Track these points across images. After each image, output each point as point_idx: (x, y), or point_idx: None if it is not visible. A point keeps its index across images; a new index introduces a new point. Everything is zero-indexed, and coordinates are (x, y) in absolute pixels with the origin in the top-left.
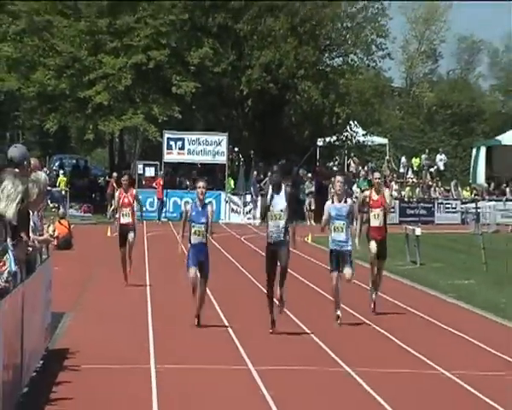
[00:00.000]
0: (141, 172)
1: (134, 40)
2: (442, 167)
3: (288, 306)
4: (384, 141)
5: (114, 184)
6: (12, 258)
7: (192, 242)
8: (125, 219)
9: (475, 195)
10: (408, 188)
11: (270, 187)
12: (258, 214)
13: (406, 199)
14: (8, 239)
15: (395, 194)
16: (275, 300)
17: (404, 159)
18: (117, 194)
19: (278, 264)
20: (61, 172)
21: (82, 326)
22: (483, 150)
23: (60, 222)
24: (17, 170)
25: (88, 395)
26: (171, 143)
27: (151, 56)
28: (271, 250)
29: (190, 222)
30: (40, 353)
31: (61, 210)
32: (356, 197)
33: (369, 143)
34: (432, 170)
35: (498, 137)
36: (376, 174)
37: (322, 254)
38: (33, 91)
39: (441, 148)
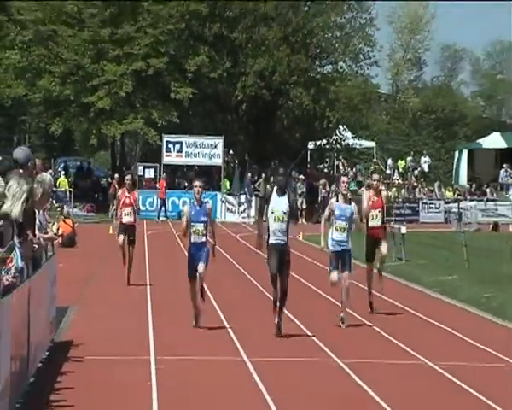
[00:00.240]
0: (141, 173)
1: (134, 48)
2: (426, 169)
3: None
4: (371, 144)
5: (116, 185)
6: (19, 255)
7: (192, 240)
8: (127, 219)
9: (458, 195)
10: (394, 189)
11: (275, 189)
12: (252, 213)
13: (392, 199)
14: (15, 237)
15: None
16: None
17: (390, 161)
18: (119, 193)
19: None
20: (63, 173)
21: (85, 320)
22: (465, 153)
23: (64, 221)
24: (22, 171)
25: (91, 384)
26: (170, 146)
27: (150, 64)
28: (275, 251)
29: (189, 222)
30: (46, 345)
31: (66, 209)
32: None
33: (358, 146)
34: (416, 172)
35: (479, 141)
36: (375, 176)
37: (314, 251)
38: (39, 97)
39: (425, 150)
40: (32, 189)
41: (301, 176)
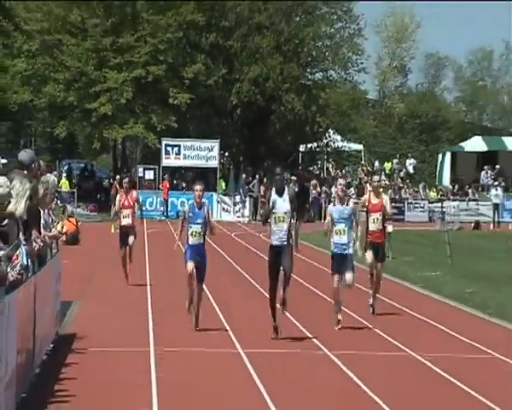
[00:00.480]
0: (141, 175)
1: (134, 57)
2: (411, 171)
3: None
4: (359, 147)
5: (117, 186)
6: (24, 252)
7: (189, 243)
8: (126, 221)
9: (441, 195)
10: (381, 189)
11: (274, 190)
12: (247, 213)
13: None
14: (21, 234)
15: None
16: (277, 305)
17: (377, 163)
18: (118, 197)
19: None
20: (64, 174)
21: (88, 314)
22: (448, 156)
23: (68, 220)
24: (26, 172)
25: (93, 375)
26: (169, 149)
27: (150, 71)
28: (275, 253)
29: (188, 223)
30: (51, 337)
31: (70, 209)
32: (334, 198)
33: (346, 149)
34: (402, 173)
35: (462, 144)
36: (375, 177)
37: (306, 249)
38: (44, 103)
39: (410, 153)
40: (34, 187)
41: (293, 177)
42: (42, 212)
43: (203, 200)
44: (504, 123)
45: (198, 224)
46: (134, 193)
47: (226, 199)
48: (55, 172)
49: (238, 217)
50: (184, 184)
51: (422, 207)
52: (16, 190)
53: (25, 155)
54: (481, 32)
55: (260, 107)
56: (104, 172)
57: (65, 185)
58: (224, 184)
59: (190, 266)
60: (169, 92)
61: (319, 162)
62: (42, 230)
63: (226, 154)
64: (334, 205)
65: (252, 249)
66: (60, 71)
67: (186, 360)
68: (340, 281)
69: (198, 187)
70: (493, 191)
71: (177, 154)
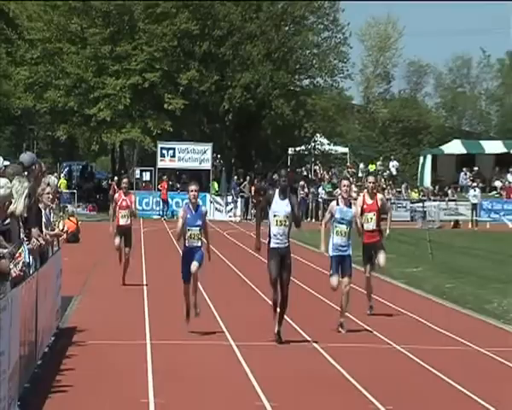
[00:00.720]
0: (138, 176)
1: (132, 64)
2: (394, 172)
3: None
4: (345, 150)
5: (115, 187)
6: (26, 250)
7: (186, 245)
8: (123, 221)
9: (422, 196)
10: (365, 190)
11: (277, 191)
12: (238, 212)
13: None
14: (22, 233)
15: (354, 195)
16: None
17: (362, 165)
18: (116, 196)
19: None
20: (62, 175)
21: (88, 308)
22: (429, 158)
23: (69, 219)
24: (27, 173)
25: (92, 366)
26: (164, 151)
27: (146, 78)
28: (276, 255)
29: (185, 226)
30: (52, 330)
31: (70, 208)
32: (322, 198)
33: (333, 152)
34: (385, 174)
35: (442, 147)
36: (370, 178)
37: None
38: (46, 108)
39: (393, 156)
40: (33, 186)
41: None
42: (43, 211)
43: (202, 208)
44: (482, 127)
45: (196, 226)
46: (132, 196)
47: (218, 199)
48: (56, 174)
49: (230, 216)
50: (179, 185)
51: (405, 207)
52: (15, 189)
53: (26, 156)
54: (460, 41)
55: (251, 112)
56: (103, 174)
57: (63, 185)
58: (216, 185)
59: (186, 288)
60: (164, 98)
61: (307, 164)
62: (43, 228)
63: (219, 156)
64: (337, 204)
65: (243, 247)
66: (60, 78)
67: (180, 352)
68: (339, 282)
69: (193, 187)
70: (471, 192)
71: (171, 156)
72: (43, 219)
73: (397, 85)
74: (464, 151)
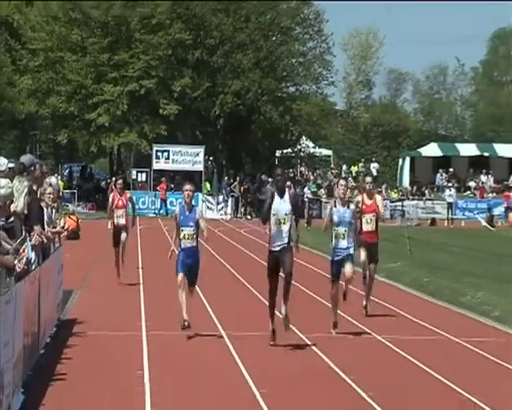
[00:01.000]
0: (134, 177)
1: (129, 72)
2: (375, 173)
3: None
4: (329, 152)
5: (113, 187)
6: (29, 246)
7: (182, 246)
8: (119, 221)
9: (401, 195)
10: (348, 190)
11: (275, 191)
12: (229, 211)
13: (347, 199)
14: (23, 230)
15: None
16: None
17: (345, 167)
18: (111, 196)
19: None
20: (59, 177)
21: (87, 301)
22: (407, 160)
23: (69, 217)
24: (27, 173)
25: (92, 356)
26: (159, 154)
27: (142, 85)
28: (274, 257)
29: (180, 226)
30: (54, 322)
31: (71, 207)
32: (307, 197)
33: (317, 154)
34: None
35: (419, 150)
36: (368, 178)
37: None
38: (48, 113)
39: (374, 158)
40: (32, 185)
41: (270, 179)
42: (45, 210)
43: (197, 209)
44: (457, 131)
45: (190, 226)
46: (128, 194)
47: (210, 199)
48: (56, 175)
49: (221, 215)
50: (173, 186)
51: (385, 206)
52: (15, 188)
53: (26, 158)
54: (437, 50)
55: (241, 117)
56: (102, 175)
57: (62, 186)
58: (208, 186)
59: (180, 277)
60: (159, 104)
61: (294, 166)
62: (46, 226)
63: (210, 158)
64: (335, 206)
65: (233, 243)
66: (62, 84)
67: (175, 343)
68: (338, 288)
69: (188, 187)
70: (447, 192)
71: (166, 158)
72: (45, 218)
73: (377, 92)
74: (440, 154)
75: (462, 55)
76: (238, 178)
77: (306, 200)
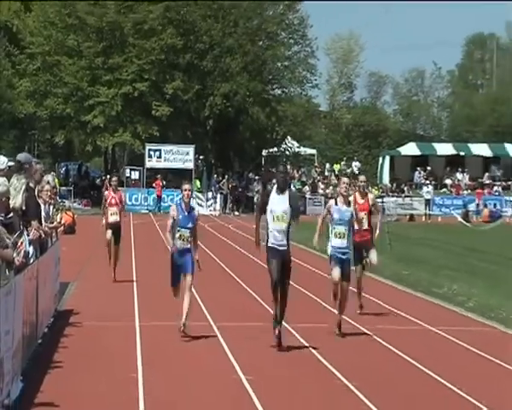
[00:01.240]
0: (128, 175)
1: (123, 75)
2: (356, 171)
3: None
4: (313, 151)
5: (108, 184)
6: (27, 240)
7: (176, 246)
8: (113, 218)
9: (381, 192)
10: (331, 187)
11: (274, 187)
12: (218, 207)
13: (330, 195)
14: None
15: (320, 192)
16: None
17: (328, 165)
18: (105, 194)
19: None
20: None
21: (83, 293)
22: (387, 159)
23: (66, 213)
24: (23, 170)
25: (87, 345)
26: (152, 153)
27: (136, 87)
28: (273, 254)
29: (176, 225)
30: (51, 313)
31: (67, 203)
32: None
33: (302, 153)
34: (348, 173)
35: (399, 149)
36: (362, 177)
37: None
38: (46, 114)
39: (356, 156)
40: (29, 182)
41: (257, 177)
42: (42, 206)
43: (195, 212)
44: (434, 132)
45: (187, 228)
46: (122, 194)
47: (200, 195)
48: (53, 173)
49: (210, 210)
50: (164, 183)
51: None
52: (14, 186)
53: (22, 155)
54: (415, 55)
55: (230, 118)
56: (97, 173)
57: (58, 183)
58: (198, 183)
59: (177, 291)
60: (152, 105)
61: (279, 164)
62: (43, 221)
63: (200, 157)
64: (336, 204)
65: (222, 238)
66: (59, 87)
67: (167, 333)
68: (340, 278)
69: (187, 186)
70: (425, 189)
71: (158, 157)
72: (43, 213)
73: (359, 94)
74: (418, 153)
75: (438, 60)
76: (226, 176)
77: (335, 199)
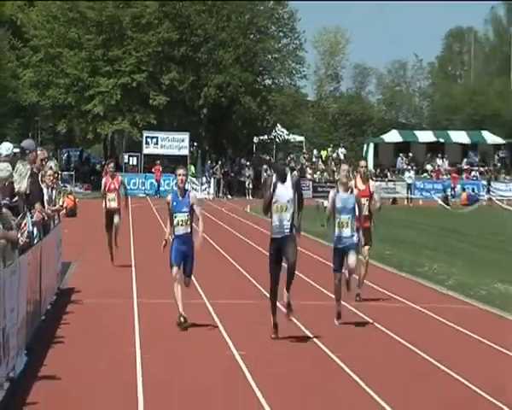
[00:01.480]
0: (126, 161)
1: (122, 66)
2: (342, 157)
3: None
4: (301, 138)
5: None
6: (30, 221)
7: (176, 233)
8: (111, 204)
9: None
10: (318, 172)
11: (274, 175)
12: (211, 191)
13: (317, 180)
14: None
15: (308, 177)
16: (278, 304)
17: (315, 151)
18: (103, 180)
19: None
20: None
21: (84, 272)
22: (371, 146)
23: (68, 197)
24: (27, 156)
25: (88, 321)
26: (149, 140)
27: (134, 78)
28: (276, 247)
29: (172, 213)
30: (54, 291)
31: (69, 187)
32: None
33: (291, 140)
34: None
35: (382, 136)
36: (362, 162)
37: (259, 219)
38: (48, 103)
39: (342, 143)
40: (33, 168)
41: (248, 163)
42: (45, 190)
43: (191, 193)
44: (416, 120)
45: (183, 212)
46: (119, 177)
47: (194, 180)
48: (54, 159)
49: (204, 194)
50: (161, 168)
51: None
52: (19, 172)
53: (26, 142)
54: (398, 48)
55: (223, 107)
56: (97, 159)
57: (59, 168)
58: (193, 168)
59: (175, 272)
60: (149, 95)
61: (270, 151)
62: (46, 204)
63: (195, 144)
64: (337, 192)
65: (216, 221)
66: (60, 77)
67: (163, 310)
68: (342, 278)
69: (181, 171)
70: (407, 174)
71: (155, 144)
72: (46, 197)
73: (345, 84)
74: (401, 140)
75: (420, 52)
76: (220, 162)
77: (336, 187)
